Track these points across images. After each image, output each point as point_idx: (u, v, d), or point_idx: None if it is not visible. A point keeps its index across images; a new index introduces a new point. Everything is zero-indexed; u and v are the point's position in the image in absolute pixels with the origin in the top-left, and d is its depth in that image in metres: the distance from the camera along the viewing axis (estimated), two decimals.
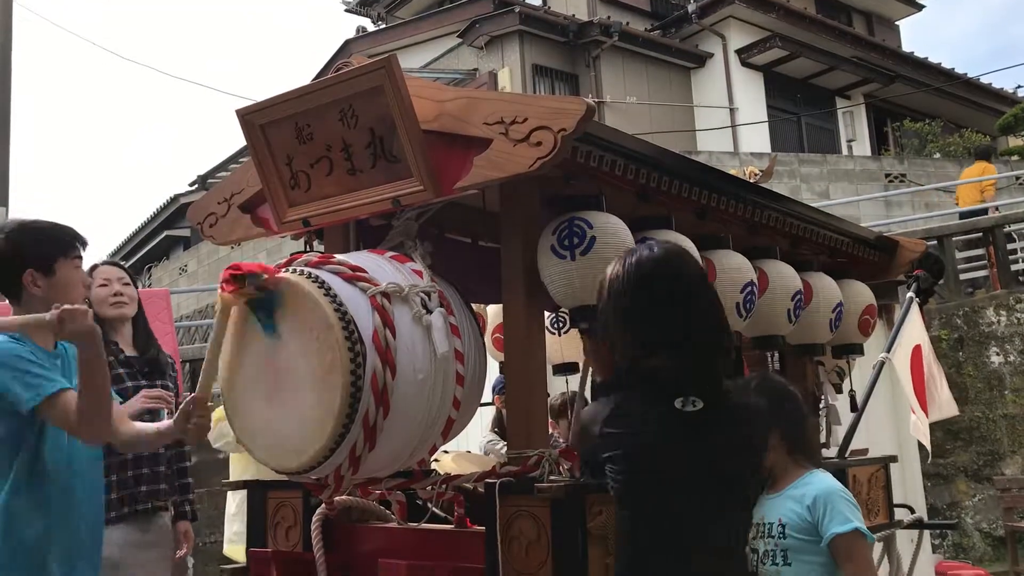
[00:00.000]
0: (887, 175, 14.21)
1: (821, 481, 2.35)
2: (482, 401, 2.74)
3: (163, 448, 3.41)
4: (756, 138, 15.63)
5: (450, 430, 2.52)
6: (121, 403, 3.21)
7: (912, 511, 3.78)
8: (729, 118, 15.77)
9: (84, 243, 2.69)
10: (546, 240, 2.53)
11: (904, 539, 4.18)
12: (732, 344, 1.79)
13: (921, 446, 4.60)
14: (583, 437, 1.84)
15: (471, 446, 4.21)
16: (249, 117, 2.64)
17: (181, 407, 2.61)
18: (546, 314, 3.40)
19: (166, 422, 2.77)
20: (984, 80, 18.71)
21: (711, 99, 16.06)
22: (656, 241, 1.97)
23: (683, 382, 1.67)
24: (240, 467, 4.16)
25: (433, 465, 3.05)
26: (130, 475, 3.35)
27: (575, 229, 2.49)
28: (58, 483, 2.50)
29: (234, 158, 16.81)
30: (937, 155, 15.89)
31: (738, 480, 1.73)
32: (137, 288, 3.65)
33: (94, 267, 3.54)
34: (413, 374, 2.32)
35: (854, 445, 3.60)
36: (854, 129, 17.51)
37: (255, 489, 3.05)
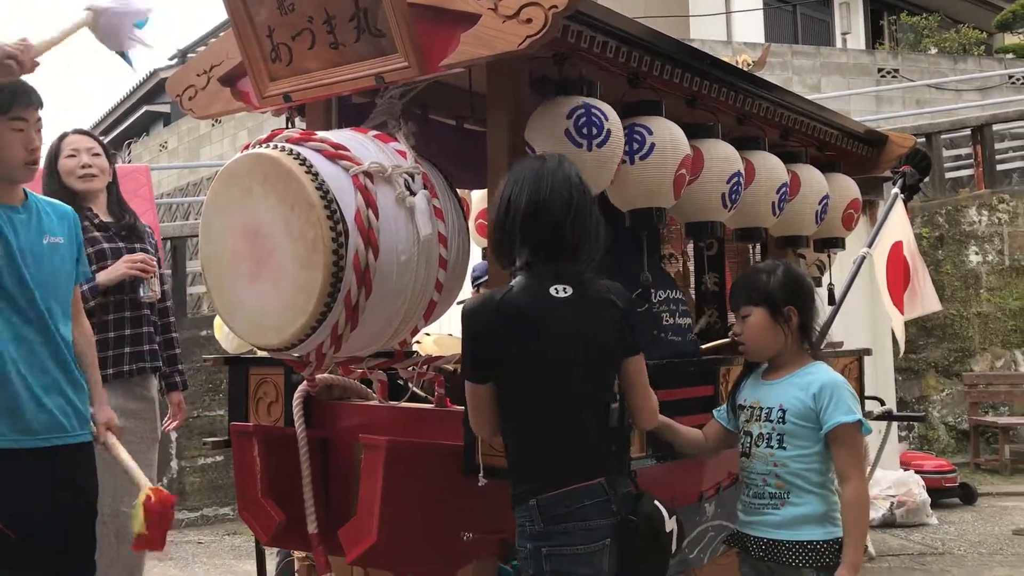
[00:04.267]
0: (880, 70, 14.01)
1: (826, 372, 2.41)
2: (460, 296, 2.73)
3: (147, 310, 3.39)
4: (750, 27, 15.29)
5: (432, 312, 2.53)
6: (93, 273, 3.19)
7: (882, 403, 3.86)
8: (724, 4, 15.38)
9: (27, 102, 2.49)
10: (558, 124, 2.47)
11: (873, 430, 4.29)
12: (594, 247, 2.17)
13: (895, 341, 4.68)
14: (478, 313, 2.15)
15: (452, 329, 4.24)
16: None
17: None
18: None
19: (93, 380, 2.75)
20: None
21: None
22: (541, 158, 2.22)
23: (557, 275, 2.13)
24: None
25: (414, 347, 3.07)
26: (111, 336, 3.29)
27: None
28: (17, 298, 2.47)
29: (214, 32, 16.32)
30: (932, 50, 15.63)
31: (597, 342, 2.14)
32: (111, 159, 3.50)
33: (63, 136, 3.42)
34: (396, 255, 2.31)
35: (830, 337, 3.65)
36: (849, 21, 17.14)
37: (237, 365, 3.08)
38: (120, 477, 2.78)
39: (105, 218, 3.41)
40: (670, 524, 2.15)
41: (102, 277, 3.26)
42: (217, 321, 4.64)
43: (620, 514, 2.08)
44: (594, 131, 2.44)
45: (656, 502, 2.15)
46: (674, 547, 2.17)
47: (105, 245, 3.33)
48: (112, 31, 2.65)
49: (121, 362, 3.30)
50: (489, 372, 2.15)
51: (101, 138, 3.57)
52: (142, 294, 3.35)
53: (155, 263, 3.39)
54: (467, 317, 2.16)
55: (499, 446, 2.28)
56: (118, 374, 3.29)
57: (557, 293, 2.11)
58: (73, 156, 3.36)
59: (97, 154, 3.41)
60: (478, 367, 2.16)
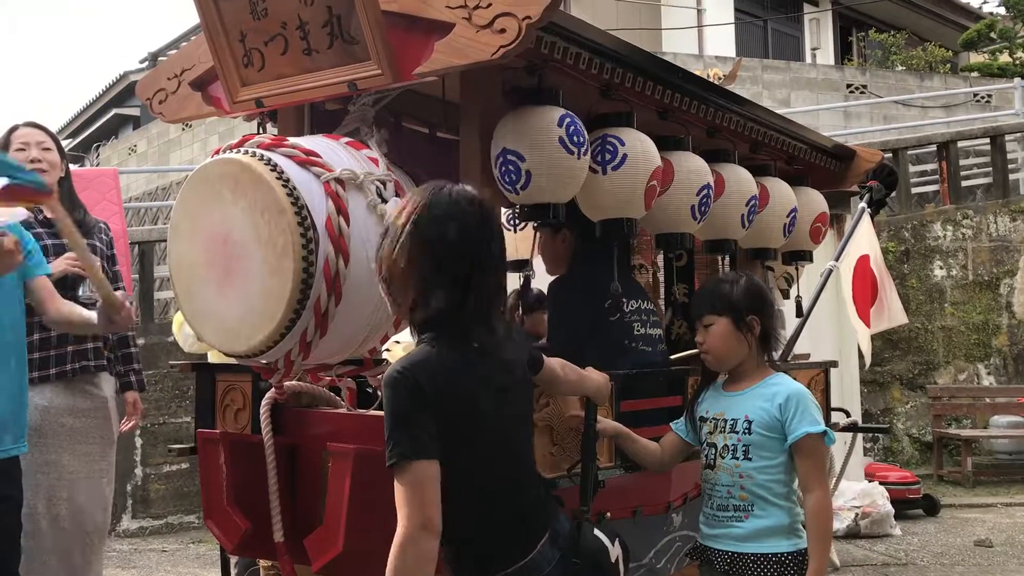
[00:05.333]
0: (848, 86, 14.20)
1: (791, 383, 2.42)
2: None
3: (92, 306, 3.30)
4: (721, 42, 15.44)
5: (402, 320, 2.52)
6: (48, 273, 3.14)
7: (847, 415, 3.90)
8: (696, 18, 15.52)
9: None
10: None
11: (838, 441, 4.33)
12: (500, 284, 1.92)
13: (861, 354, 4.73)
14: (415, 379, 1.78)
15: None
16: None
17: (99, 309, 2.72)
18: (502, 210, 3.38)
19: (93, 314, 2.82)
20: None
21: None
22: (441, 186, 1.93)
23: (476, 325, 1.84)
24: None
25: (384, 355, 3.06)
26: (54, 334, 3.18)
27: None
28: None
29: (186, 36, 16.21)
30: (899, 68, 15.88)
31: (523, 384, 1.99)
32: (63, 153, 3.38)
33: (13, 129, 3.31)
34: (366, 263, 2.30)
35: (797, 349, 3.69)
36: (819, 37, 17.36)
37: (204, 371, 3.05)
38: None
39: (51, 214, 3.28)
40: (614, 552, 2.00)
41: None
42: (176, 320, 4.59)
43: (568, 558, 1.90)
44: (581, 140, 2.50)
45: (596, 531, 2.00)
46: (622, 572, 2.04)
47: (48, 241, 3.22)
48: None
49: (64, 361, 3.21)
50: (434, 442, 1.76)
51: (53, 132, 3.44)
52: (81, 294, 3.24)
53: (98, 261, 3.25)
54: (396, 386, 1.78)
55: None
56: (61, 374, 3.20)
57: (478, 345, 1.85)
58: (22, 150, 3.25)
59: (48, 148, 3.30)
60: (421, 438, 1.75)
